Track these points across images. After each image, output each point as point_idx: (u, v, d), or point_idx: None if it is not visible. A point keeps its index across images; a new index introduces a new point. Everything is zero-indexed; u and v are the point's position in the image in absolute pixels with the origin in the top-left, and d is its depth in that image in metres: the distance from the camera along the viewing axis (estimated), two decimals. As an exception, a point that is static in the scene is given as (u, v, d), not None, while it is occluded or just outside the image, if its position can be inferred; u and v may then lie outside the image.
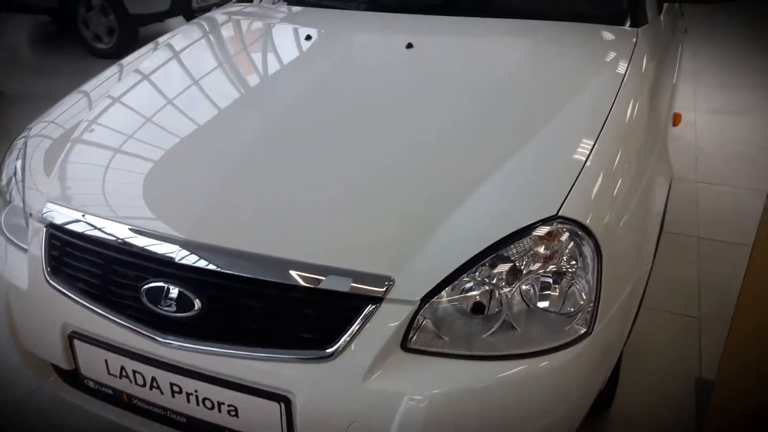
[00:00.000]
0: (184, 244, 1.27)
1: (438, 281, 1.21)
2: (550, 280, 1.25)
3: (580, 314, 1.25)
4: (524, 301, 1.25)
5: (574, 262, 1.26)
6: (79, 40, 6.08)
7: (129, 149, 1.56)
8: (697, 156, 3.67)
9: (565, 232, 1.25)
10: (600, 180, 1.36)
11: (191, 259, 1.26)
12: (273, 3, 2.38)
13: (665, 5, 2.30)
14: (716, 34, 6.49)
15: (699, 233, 2.87)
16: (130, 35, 5.82)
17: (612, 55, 1.79)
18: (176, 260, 1.26)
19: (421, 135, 1.50)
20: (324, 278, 1.19)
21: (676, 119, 2.04)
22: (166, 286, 1.28)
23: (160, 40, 2.18)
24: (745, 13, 7.58)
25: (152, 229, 1.32)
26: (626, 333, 1.47)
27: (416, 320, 1.20)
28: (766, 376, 1.71)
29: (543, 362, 1.22)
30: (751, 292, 1.70)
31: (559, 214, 1.25)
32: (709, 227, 2.92)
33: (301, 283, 1.20)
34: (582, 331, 1.25)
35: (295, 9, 2.29)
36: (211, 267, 1.24)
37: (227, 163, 1.43)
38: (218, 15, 2.33)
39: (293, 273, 1.21)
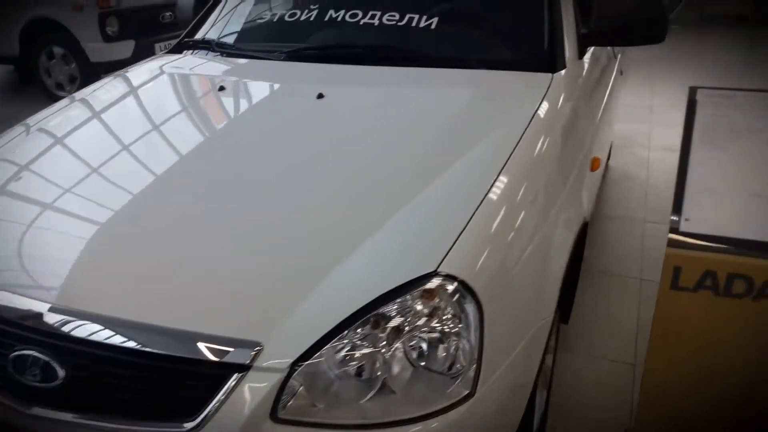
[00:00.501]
0: (50, 310, 1.22)
1: (311, 343, 1.15)
2: (431, 340, 1.20)
3: (462, 375, 1.20)
4: (405, 362, 1.20)
5: (455, 321, 1.21)
6: (41, 88, 6.07)
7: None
8: (647, 194, 3.67)
9: (445, 289, 1.21)
10: (490, 231, 1.32)
11: (54, 326, 1.20)
12: (196, 53, 2.36)
13: (591, 49, 2.30)
14: (677, 74, 6.60)
15: (642, 275, 2.83)
16: (92, 83, 5.81)
17: (521, 102, 1.77)
18: (39, 327, 1.21)
19: (315, 188, 1.47)
20: (187, 345, 1.14)
21: (594, 164, 2.03)
22: (31, 354, 1.21)
23: (77, 94, 2.16)
24: (708, 55, 7.75)
25: (19, 293, 1.26)
26: (526, 391, 1.41)
27: (287, 387, 1.15)
28: (682, 424, 1.67)
29: (421, 427, 1.16)
30: (659, 341, 1.66)
31: (439, 270, 1.21)
32: (652, 268, 2.89)
33: (162, 350, 1.14)
34: (464, 393, 1.20)
35: (213, 59, 2.28)
36: (73, 333, 1.19)
37: (101, 223, 1.39)
38: (134, 68, 2.33)
39: (154, 340, 1.15)
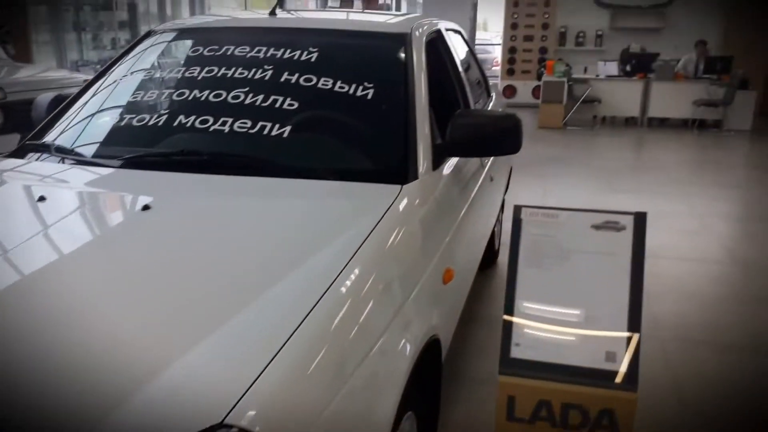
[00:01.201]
0: None
1: None
2: None
3: None
4: None
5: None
6: None
7: None
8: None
9: (230, 445, 1.04)
10: (305, 367, 1.18)
11: None
12: (40, 157, 2.19)
13: (451, 159, 2.29)
14: (570, 173, 6.89)
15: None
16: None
17: (362, 215, 1.69)
18: None
19: (112, 317, 1.30)
20: None
21: (447, 276, 1.96)
22: None
23: None
24: (602, 154, 8.19)
25: None
26: None
27: None
28: None
29: None
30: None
31: (225, 422, 1.05)
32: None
33: None
34: None
35: (49, 164, 2.11)
36: None
37: None
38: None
39: None
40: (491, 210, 3.36)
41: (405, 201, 1.80)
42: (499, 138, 2.16)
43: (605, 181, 6.54)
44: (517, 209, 1.89)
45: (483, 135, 2.15)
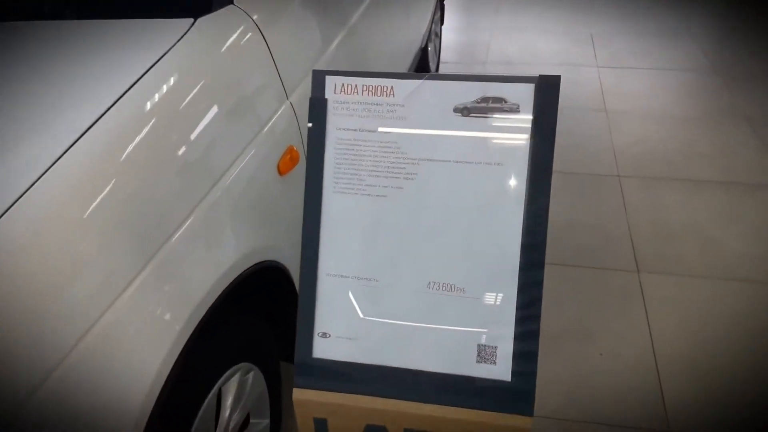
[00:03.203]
0: None
1: None
2: None
3: None
4: None
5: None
6: None
7: None
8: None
9: None
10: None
11: None
12: None
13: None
14: None
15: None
16: None
17: (131, 63, 1.03)
18: None
19: None
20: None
21: (288, 159, 1.19)
22: None
23: None
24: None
25: None
26: None
27: None
28: None
29: None
30: None
31: None
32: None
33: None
34: None
35: None
36: None
37: None
38: None
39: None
40: (414, 27, 2.42)
41: (197, 41, 1.08)
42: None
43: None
44: (318, 78, 0.99)
45: None
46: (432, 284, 0.96)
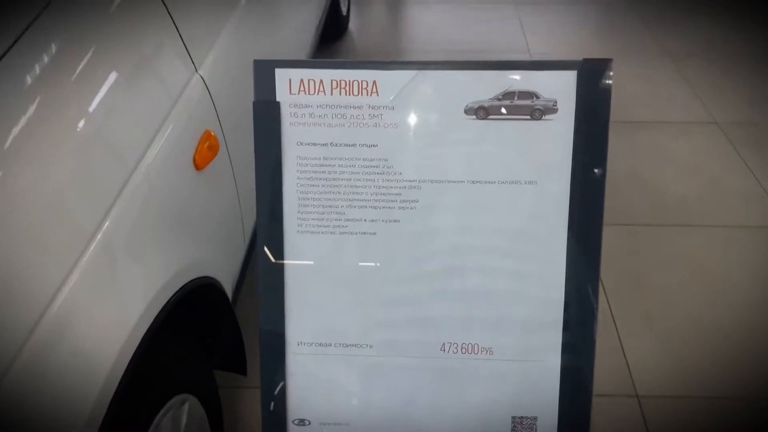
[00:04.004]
0: None
1: None
2: None
3: None
4: None
5: None
6: None
7: None
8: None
9: None
10: None
11: None
12: None
13: None
14: None
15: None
16: None
17: None
18: None
19: None
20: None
21: (204, 150, 0.86)
22: None
23: None
24: None
25: None
26: None
27: None
28: None
29: None
30: None
31: None
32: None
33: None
34: None
35: None
36: None
37: None
38: None
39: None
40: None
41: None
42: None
43: None
44: (262, 71, 0.68)
45: None
46: (447, 346, 0.72)
